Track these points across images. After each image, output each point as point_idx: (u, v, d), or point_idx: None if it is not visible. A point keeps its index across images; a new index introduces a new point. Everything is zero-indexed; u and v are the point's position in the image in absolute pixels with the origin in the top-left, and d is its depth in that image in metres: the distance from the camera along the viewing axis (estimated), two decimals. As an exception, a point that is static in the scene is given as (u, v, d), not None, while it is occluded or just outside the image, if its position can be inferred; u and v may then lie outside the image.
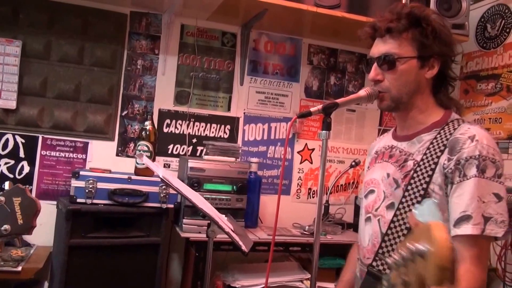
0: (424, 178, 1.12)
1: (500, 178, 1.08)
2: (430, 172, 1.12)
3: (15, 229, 1.07)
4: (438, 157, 1.12)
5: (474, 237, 1.04)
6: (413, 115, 1.23)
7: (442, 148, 1.12)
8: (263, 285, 2.21)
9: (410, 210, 1.11)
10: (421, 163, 1.15)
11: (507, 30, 2.54)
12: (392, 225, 1.14)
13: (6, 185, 1.11)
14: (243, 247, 1.53)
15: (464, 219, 1.05)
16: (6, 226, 1.06)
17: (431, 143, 1.16)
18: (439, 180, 1.11)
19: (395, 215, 1.15)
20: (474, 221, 1.04)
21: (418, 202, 1.11)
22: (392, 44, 1.18)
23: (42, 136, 2.43)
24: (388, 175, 1.23)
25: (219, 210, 1.77)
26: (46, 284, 2.23)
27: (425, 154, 1.15)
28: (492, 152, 1.08)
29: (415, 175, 1.14)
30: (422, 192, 1.11)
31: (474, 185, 1.05)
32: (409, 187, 1.14)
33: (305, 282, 2.37)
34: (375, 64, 1.21)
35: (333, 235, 2.51)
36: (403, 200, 1.14)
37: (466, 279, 1.03)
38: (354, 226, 2.73)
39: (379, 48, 1.20)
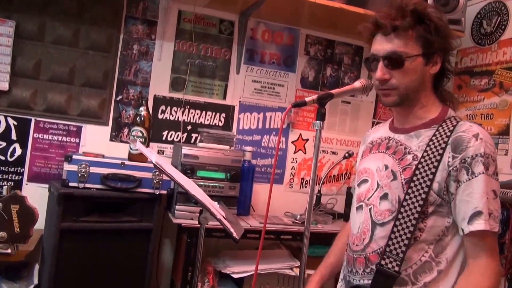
0: (427, 175, 1.15)
1: (497, 175, 1.14)
2: (433, 170, 1.14)
3: (11, 237, 1.05)
4: (441, 155, 1.14)
5: (486, 232, 1.09)
6: (414, 110, 1.25)
7: (443, 145, 1.15)
8: (254, 272, 2.23)
9: (416, 207, 1.14)
10: (422, 159, 1.17)
11: (503, 27, 2.56)
12: (397, 223, 1.16)
13: (4, 190, 1.09)
14: (234, 234, 1.54)
15: (476, 215, 1.09)
16: (2, 234, 1.03)
17: (431, 139, 1.18)
18: (439, 177, 1.14)
19: (400, 212, 1.16)
20: (485, 217, 1.09)
21: (423, 199, 1.14)
22: (398, 43, 1.17)
23: (35, 119, 2.41)
24: (386, 166, 1.25)
25: (212, 197, 1.77)
26: (36, 267, 2.23)
27: (425, 151, 1.17)
28: (493, 150, 1.13)
29: (417, 172, 1.16)
30: (426, 190, 1.14)
31: (482, 181, 1.10)
32: (412, 184, 1.16)
33: (295, 269, 2.40)
34: (381, 63, 1.20)
35: (324, 225, 2.54)
36: (407, 197, 1.16)
37: (489, 274, 1.09)
38: (345, 216, 2.76)
39: (384, 46, 1.19)
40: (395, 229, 1.17)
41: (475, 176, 1.10)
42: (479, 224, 1.08)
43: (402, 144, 1.24)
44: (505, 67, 2.50)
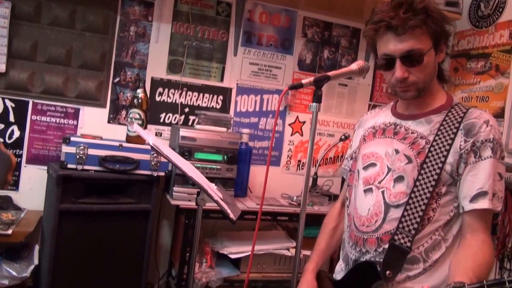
0: (439, 157, 1.20)
1: (503, 159, 1.21)
2: (445, 153, 1.20)
3: None
4: (452, 139, 1.20)
5: (487, 210, 1.17)
6: (424, 97, 1.28)
7: (454, 130, 1.21)
8: (250, 252, 2.27)
9: (428, 187, 1.20)
10: (434, 143, 1.22)
11: (500, 9, 2.55)
12: (410, 201, 1.21)
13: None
14: (231, 215, 1.55)
15: (481, 195, 1.16)
16: None
17: (441, 124, 1.24)
18: (451, 159, 1.20)
19: (412, 191, 1.21)
20: (489, 197, 1.16)
21: (435, 180, 1.19)
22: (413, 40, 1.18)
23: (33, 101, 2.42)
24: (396, 151, 1.28)
25: (210, 179, 1.79)
26: (37, 247, 2.26)
27: (437, 134, 1.23)
28: (500, 137, 1.21)
29: (430, 154, 1.21)
30: (438, 171, 1.20)
31: (490, 164, 1.17)
32: (425, 165, 1.21)
33: (291, 250, 2.44)
34: (399, 63, 1.20)
35: (320, 206, 2.57)
36: (420, 177, 1.21)
37: (488, 247, 1.16)
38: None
39: (399, 46, 1.19)
40: (408, 207, 1.21)
41: (482, 159, 1.17)
42: (484, 203, 1.15)
43: (413, 131, 1.28)
44: (501, 49, 2.50)
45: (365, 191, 1.33)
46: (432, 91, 1.29)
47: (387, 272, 1.19)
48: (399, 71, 1.21)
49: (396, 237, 1.21)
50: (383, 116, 1.42)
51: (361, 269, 1.28)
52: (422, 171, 1.21)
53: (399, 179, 1.25)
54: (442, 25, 1.23)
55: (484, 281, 0.91)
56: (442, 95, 1.31)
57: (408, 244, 1.20)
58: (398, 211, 1.23)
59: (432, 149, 1.22)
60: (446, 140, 1.21)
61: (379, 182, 1.29)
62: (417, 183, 1.21)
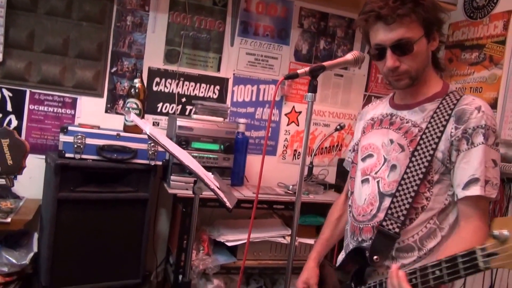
0: (430, 144, 1.20)
1: (497, 146, 1.19)
2: (436, 140, 1.19)
3: (5, 169, 1.07)
4: (444, 126, 1.19)
5: (480, 197, 1.15)
6: (418, 86, 1.28)
7: (447, 117, 1.20)
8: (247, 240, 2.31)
9: (418, 174, 1.20)
10: (426, 130, 1.22)
11: (495, 1, 2.57)
12: (400, 187, 1.22)
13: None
14: (227, 204, 1.57)
15: (472, 181, 1.15)
16: None
17: (435, 112, 1.23)
18: (443, 147, 1.19)
19: (402, 178, 1.22)
20: (481, 183, 1.14)
21: (425, 167, 1.19)
22: (403, 29, 1.18)
23: (30, 91, 2.42)
24: (391, 141, 1.29)
25: (207, 168, 1.81)
26: (36, 235, 2.28)
27: (429, 122, 1.22)
28: (494, 123, 1.18)
29: (421, 141, 1.22)
30: (429, 158, 1.19)
31: (481, 151, 1.15)
32: (416, 153, 1.22)
33: (287, 237, 2.48)
34: (389, 52, 1.21)
35: (315, 195, 2.60)
36: (410, 164, 1.22)
37: (479, 234, 1.15)
38: (336, 187, 2.84)
39: (389, 35, 1.20)
40: (397, 194, 1.22)
41: (475, 146, 1.15)
42: (475, 190, 1.14)
43: (407, 120, 1.29)
44: (495, 40, 2.53)
45: (362, 181, 1.35)
46: (426, 79, 1.29)
47: (375, 257, 1.22)
48: (389, 60, 1.21)
49: (384, 223, 1.23)
50: (381, 107, 1.43)
51: (354, 255, 1.31)
52: (413, 159, 1.22)
53: (393, 168, 1.26)
54: (434, 13, 1.22)
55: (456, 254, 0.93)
56: (438, 83, 1.30)
57: (397, 230, 1.21)
58: (390, 199, 1.24)
59: (423, 136, 1.22)
60: (438, 127, 1.20)
61: (376, 173, 1.31)
62: (407, 170, 1.22)
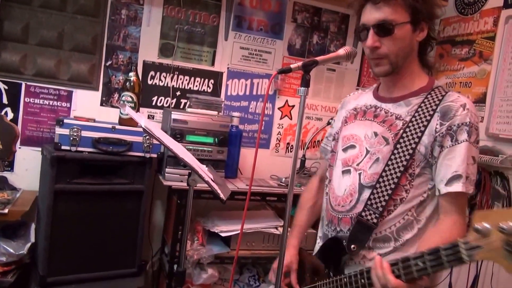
0: (413, 138, 1.22)
1: (478, 143, 1.22)
2: (419, 134, 1.21)
3: None
4: (428, 121, 1.21)
5: (461, 193, 1.18)
6: (402, 78, 1.30)
7: (431, 112, 1.22)
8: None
9: (399, 166, 1.22)
10: (410, 123, 1.23)
11: (485, -4, 2.60)
12: (381, 179, 1.24)
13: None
14: (221, 196, 1.60)
15: (455, 178, 1.17)
16: None
17: (420, 106, 1.24)
18: (426, 141, 1.21)
19: (383, 170, 1.24)
20: (463, 180, 1.17)
21: (407, 160, 1.21)
22: (388, 11, 1.20)
23: (25, 83, 2.44)
24: (375, 133, 1.30)
25: (201, 161, 1.84)
26: (33, 226, 2.31)
27: (414, 116, 1.24)
28: (477, 121, 1.21)
29: (404, 134, 1.23)
30: (411, 151, 1.21)
31: (465, 148, 1.17)
32: (398, 145, 1.23)
33: (279, 228, 2.53)
34: (371, 32, 1.22)
35: (308, 188, 2.65)
36: (392, 157, 1.23)
37: (457, 227, 1.18)
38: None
39: (374, 15, 1.22)
40: (377, 185, 1.24)
41: (459, 143, 1.17)
42: (457, 186, 1.17)
43: (392, 113, 1.30)
44: (485, 36, 2.56)
45: (343, 172, 1.36)
46: (411, 72, 1.29)
47: (352, 246, 1.25)
48: (370, 40, 1.23)
49: (363, 213, 1.26)
50: (365, 98, 1.43)
51: (331, 244, 1.34)
52: (395, 151, 1.23)
53: (376, 161, 1.28)
54: (425, 4, 1.23)
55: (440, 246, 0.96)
56: (423, 78, 1.31)
57: (375, 220, 1.23)
58: (370, 191, 1.27)
59: (407, 129, 1.23)
60: (422, 122, 1.22)
61: (357, 164, 1.32)
62: (389, 162, 1.24)
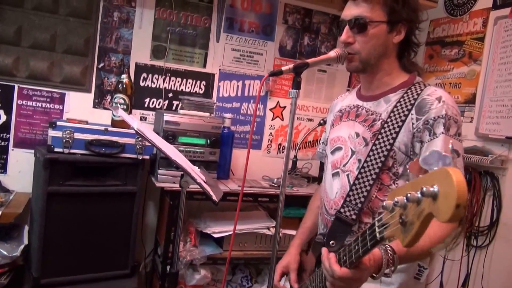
0: (391, 134, 1.20)
1: (460, 136, 1.18)
2: (397, 129, 1.20)
3: None
4: (406, 116, 1.19)
5: None
6: (379, 77, 1.29)
7: (409, 107, 1.20)
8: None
9: (377, 163, 1.21)
10: (388, 120, 1.22)
11: (474, -2, 2.63)
12: (359, 176, 1.24)
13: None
14: (214, 197, 1.61)
15: None
16: None
17: (398, 102, 1.23)
18: (405, 138, 1.19)
19: (362, 167, 1.24)
20: None
21: (384, 156, 1.20)
22: (365, 8, 1.21)
23: (18, 86, 2.44)
24: (357, 134, 1.30)
25: (193, 162, 1.86)
26: (26, 228, 2.32)
27: (392, 112, 1.22)
28: (455, 113, 1.17)
29: (382, 131, 1.22)
30: (388, 147, 1.20)
31: (442, 141, 1.14)
32: (374, 147, 1.22)
33: (271, 229, 2.55)
34: (346, 27, 1.24)
35: (299, 188, 2.67)
36: (370, 153, 1.23)
37: (443, 225, 1.10)
38: (319, 180, 2.90)
39: (351, 11, 1.24)
40: (356, 182, 1.24)
41: (436, 137, 1.14)
42: None
43: (372, 112, 1.29)
44: (474, 37, 2.59)
45: (333, 175, 1.37)
46: (387, 70, 1.29)
47: (331, 242, 1.23)
48: (343, 34, 1.25)
49: (342, 210, 1.26)
50: (349, 98, 1.44)
51: (317, 242, 1.33)
52: (373, 147, 1.23)
53: (359, 161, 1.28)
54: (405, 6, 1.23)
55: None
56: (403, 75, 1.30)
57: (354, 216, 1.23)
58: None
59: (385, 126, 1.22)
60: (400, 117, 1.20)
61: (344, 166, 1.32)
62: (368, 159, 1.23)
